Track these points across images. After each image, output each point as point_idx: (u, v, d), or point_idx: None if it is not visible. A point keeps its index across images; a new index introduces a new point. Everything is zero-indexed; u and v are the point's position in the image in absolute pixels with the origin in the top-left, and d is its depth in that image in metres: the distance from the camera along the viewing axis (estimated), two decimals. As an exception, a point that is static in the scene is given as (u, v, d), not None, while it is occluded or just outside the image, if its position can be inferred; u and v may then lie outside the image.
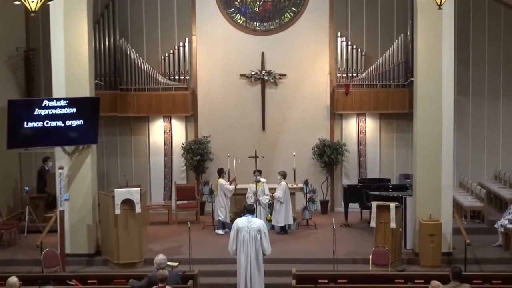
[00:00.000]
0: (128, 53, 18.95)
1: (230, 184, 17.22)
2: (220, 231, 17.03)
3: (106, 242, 15.15)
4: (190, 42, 19.34)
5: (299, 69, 19.46)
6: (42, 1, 10.87)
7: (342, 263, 14.05)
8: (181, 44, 19.27)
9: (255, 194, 16.79)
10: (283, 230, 17.04)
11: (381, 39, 19.29)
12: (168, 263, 11.72)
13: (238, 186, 17.42)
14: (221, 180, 17.31)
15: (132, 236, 14.69)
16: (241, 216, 13.49)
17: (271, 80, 19.42)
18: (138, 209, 14.68)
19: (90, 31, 15.38)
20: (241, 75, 19.51)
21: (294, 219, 17.43)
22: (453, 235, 15.04)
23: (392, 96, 18.94)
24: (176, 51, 19.26)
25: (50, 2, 11.73)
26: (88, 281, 12.32)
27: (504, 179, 18.76)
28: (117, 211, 14.56)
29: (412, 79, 16.69)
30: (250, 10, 19.72)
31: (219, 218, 17.09)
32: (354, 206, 18.11)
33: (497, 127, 19.33)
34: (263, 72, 19.39)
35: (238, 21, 19.66)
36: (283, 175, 17.19)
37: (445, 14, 14.43)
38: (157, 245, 15.85)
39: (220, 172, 17.46)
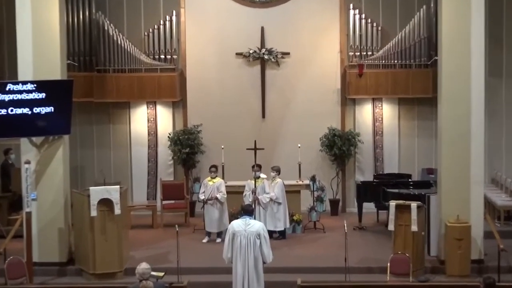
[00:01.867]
0: (106, 28, 18.95)
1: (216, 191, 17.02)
2: (204, 239, 17.03)
3: (80, 249, 15.08)
4: (177, 16, 19.33)
5: (305, 46, 19.49)
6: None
7: (355, 273, 13.97)
8: (167, 18, 19.28)
9: (253, 192, 16.75)
10: (282, 234, 17.00)
11: (400, 12, 19.33)
12: (153, 273, 11.67)
13: (235, 183, 17.48)
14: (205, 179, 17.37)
15: (111, 241, 14.64)
16: (237, 218, 13.43)
17: (272, 59, 19.45)
18: (117, 210, 14.63)
19: (61, 3, 15.26)
20: (238, 54, 19.54)
21: (299, 221, 17.50)
22: (485, 239, 14.98)
23: (413, 78, 18.99)
24: (161, 26, 19.27)
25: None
26: (60, 294, 12.31)
27: (544, 174, 18.75)
28: (93, 212, 14.50)
29: (436, 58, 16.71)
30: (247, -22, 19.71)
31: None
32: (369, 206, 18.11)
33: (535, 113, 19.34)
34: (263, 50, 19.42)
35: (234, -9, 19.68)
36: (278, 171, 17.18)
37: (474, -18, 14.46)
38: (140, 252, 15.84)
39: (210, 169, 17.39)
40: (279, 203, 16.92)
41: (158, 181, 19.44)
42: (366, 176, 19.41)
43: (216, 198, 16.85)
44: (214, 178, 17.07)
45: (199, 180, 18.25)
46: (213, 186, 16.94)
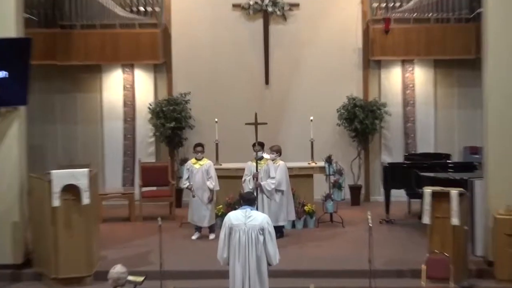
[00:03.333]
0: (72, -26, 19.10)
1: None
2: (194, 236, 17.00)
3: (40, 247, 15.03)
4: (160, -42, 19.53)
5: (318, -4, 19.67)
6: None
7: (381, 277, 13.94)
8: (148, -40, 19.46)
9: (255, 177, 16.61)
10: (280, 232, 16.76)
11: (436, -48, 19.50)
12: (129, 277, 11.52)
13: (231, 166, 17.58)
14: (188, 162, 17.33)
15: (77, 238, 14.59)
16: (235, 209, 13.27)
17: (278, 12, 19.62)
18: (85, 200, 14.56)
19: None
20: (235, 6, 19.78)
21: (311, 213, 17.49)
22: (543, 235, 14.98)
23: (451, 35, 19.21)
24: (140, -29, 19.43)
25: None
26: (14, 304, 12.30)
27: None
28: (56, 202, 14.41)
29: (480, 10, 16.51)
30: None
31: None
32: (398, 194, 18.11)
33: None
34: (266, 1, 19.45)
35: None
36: (278, 152, 17.06)
37: None
38: (114, 251, 15.86)
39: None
40: (282, 191, 16.80)
41: (136, 163, 19.57)
42: (394, 157, 19.59)
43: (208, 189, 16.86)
44: (201, 159, 16.92)
45: (187, 162, 18.10)
46: (200, 170, 16.85)
